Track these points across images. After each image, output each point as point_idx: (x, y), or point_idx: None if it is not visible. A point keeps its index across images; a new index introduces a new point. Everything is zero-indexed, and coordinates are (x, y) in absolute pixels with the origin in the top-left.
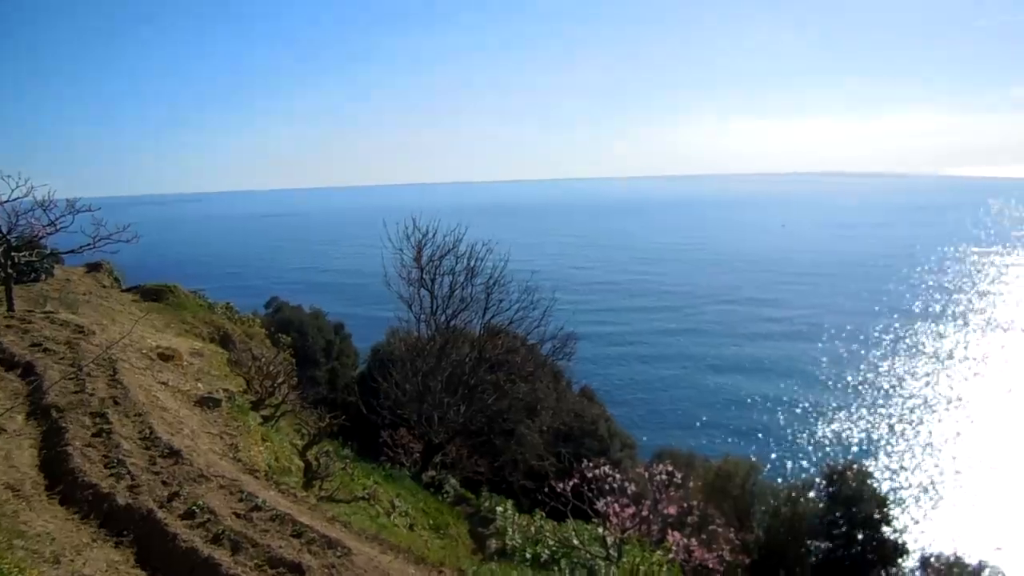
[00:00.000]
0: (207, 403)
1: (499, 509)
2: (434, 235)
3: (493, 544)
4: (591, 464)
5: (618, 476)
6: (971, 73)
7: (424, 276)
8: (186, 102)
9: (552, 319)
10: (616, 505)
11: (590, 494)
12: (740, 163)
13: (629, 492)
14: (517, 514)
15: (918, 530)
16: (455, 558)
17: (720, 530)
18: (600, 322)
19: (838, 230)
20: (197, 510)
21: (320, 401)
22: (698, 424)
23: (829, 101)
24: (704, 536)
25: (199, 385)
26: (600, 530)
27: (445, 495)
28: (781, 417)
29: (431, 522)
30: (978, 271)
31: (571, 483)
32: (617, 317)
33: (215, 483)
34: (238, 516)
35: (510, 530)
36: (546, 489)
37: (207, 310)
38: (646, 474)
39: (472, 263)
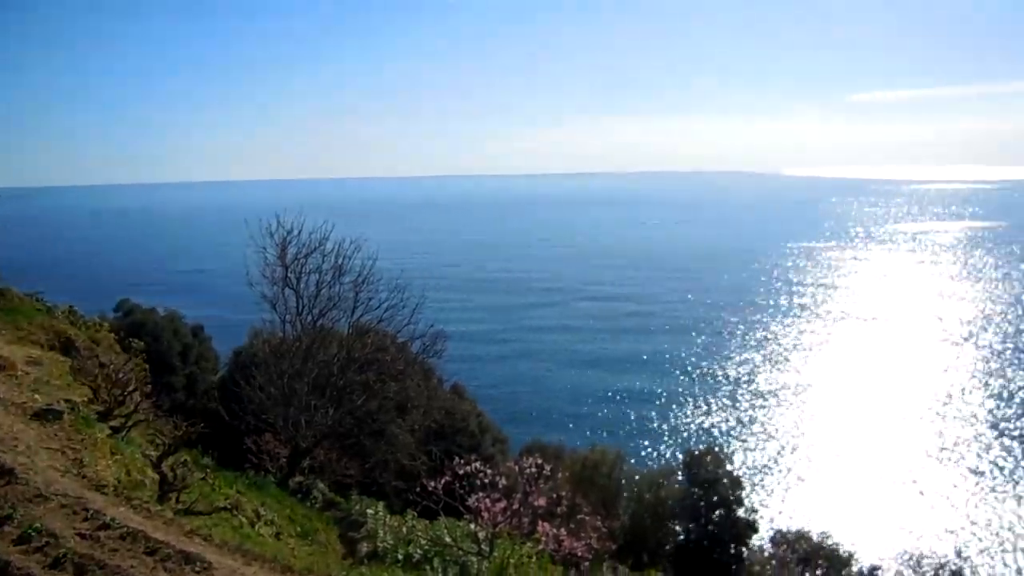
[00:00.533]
0: (46, 416)
1: (370, 511)
2: (299, 232)
3: (364, 547)
4: (462, 461)
5: (489, 471)
6: (816, 80)
7: (289, 275)
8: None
9: (422, 316)
10: (487, 500)
11: (462, 491)
12: (607, 162)
13: (500, 486)
14: (388, 515)
15: (770, 508)
16: (323, 564)
17: (588, 519)
18: (471, 320)
19: (694, 227)
20: (34, 533)
21: (177, 408)
22: (567, 418)
23: (699, 101)
24: (573, 525)
25: (36, 397)
26: (472, 526)
27: (313, 501)
28: (644, 409)
29: (299, 529)
30: (821, 265)
31: (443, 481)
32: (488, 315)
33: (56, 503)
34: (83, 537)
35: (381, 532)
36: (418, 488)
37: (46, 315)
38: (516, 468)
39: (339, 261)
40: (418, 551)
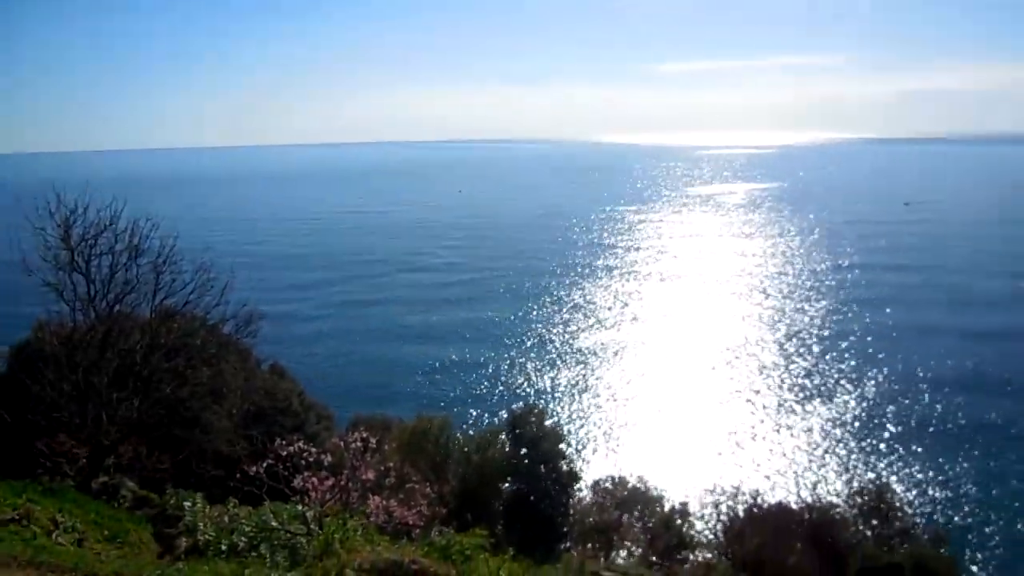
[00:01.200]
0: None
1: (187, 504)
2: (85, 211)
3: (183, 543)
4: (285, 442)
5: (314, 450)
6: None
7: (76, 258)
8: None
9: (233, 297)
10: (314, 479)
11: (286, 473)
12: (414, 131)
13: (326, 464)
14: (208, 506)
15: (593, 459)
16: (135, 566)
17: (418, 487)
18: (289, 299)
19: (510, 194)
20: None
21: None
22: (396, 392)
23: (517, 72)
24: (402, 495)
25: None
26: (299, 507)
27: (122, 500)
28: (472, 376)
29: (106, 532)
30: (629, 227)
31: (265, 464)
32: (307, 292)
33: None
34: None
35: (201, 524)
36: (238, 475)
37: None
38: (342, 444)
39: (136, 241)
40: (243, 539)
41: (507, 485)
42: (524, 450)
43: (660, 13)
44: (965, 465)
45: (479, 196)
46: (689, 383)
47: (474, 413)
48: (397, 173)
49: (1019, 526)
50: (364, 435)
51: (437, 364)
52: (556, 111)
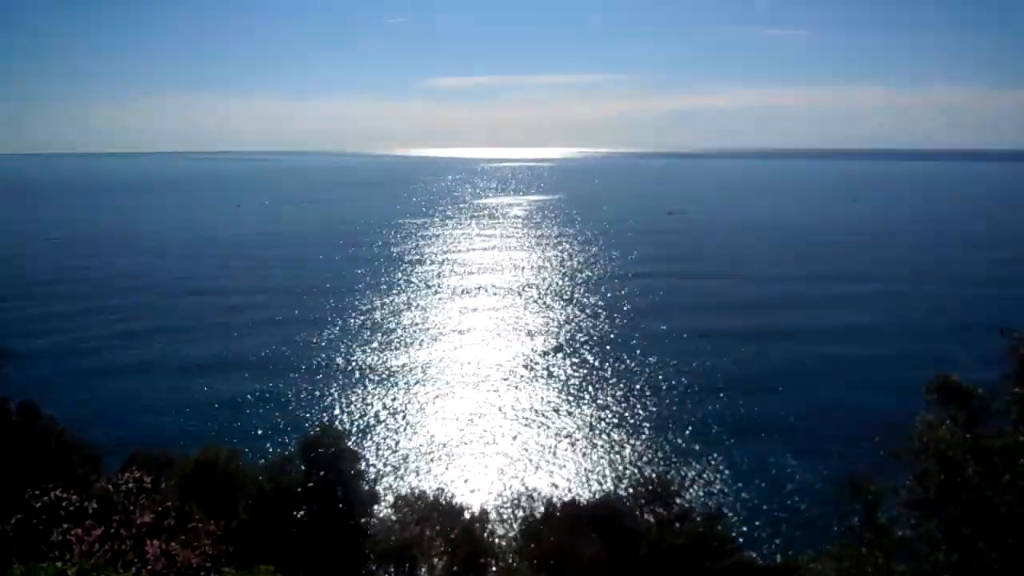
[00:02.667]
0: None
1: None
2: None
3: None
4: (38, 492)
5: (75, 497)
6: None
7: None
8: None
9: None
10: (78, 531)
11: (42, 526)
12: (184, 142)
13: (91, 511)
14: None
15: (394, 476)
16: None
17: (201, 525)
18: (38, 332)
19: (289, 207)
20: None
21: None
22: (180, 429)
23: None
24: (184, 536)
25: None
26: (59, 564)
27: None
28: (263, 406)
29: None
30: (419, 240)
31: (14, 520)
32: (64, 323)
33: None
34: None
35: None
36: None
37: None
38: (110, 487)
39: None
40: None
41: (303, 512)
42: (320, 473)
43: (436, 27)
44: (732, 454)
45: (259, 211)
46: (483, 395)
47: (269, 446)
48: (163, 186)
49: (778, 502)
50: (137, 474)
51: (225, 394)
52: (335, 123)
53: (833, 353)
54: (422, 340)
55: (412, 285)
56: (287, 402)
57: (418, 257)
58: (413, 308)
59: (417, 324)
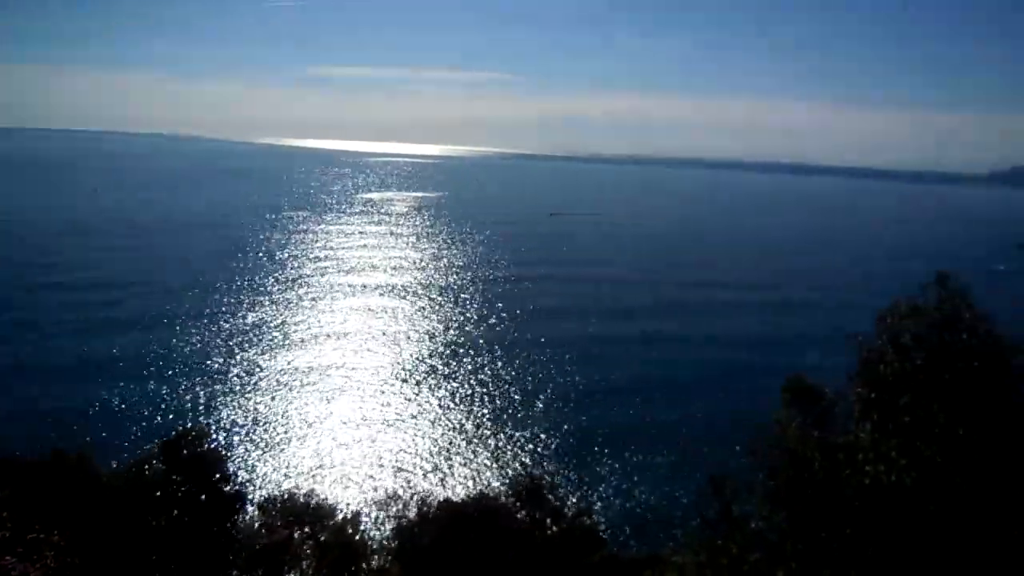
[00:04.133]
0: None
1: None
2: None
3: None
4: None
5: None
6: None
7: None
8: None
9: None
10: None
11: None
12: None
13: None
14: None
15: (262, 478)
16: None
17: (43, 536)
18: None
19: (159, 193)
20: None
21: None
22: (20, 440)
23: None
24: (22, 549)
25: None
26: None
27: None
28: (118, 411)
29: None
30: (301, 235)
31: None
32: None
33: None
34: None
35: None
36: None
37: None
38: None
39: None
40: None
41: (162, 518)
42: (180, 476)
43: (320, 14)
44: (607, 455)
45: (119, 197)
46: (360, 397)
47: (126, 453)
48: (10, 165)
49: (647, 499)
50: None
51: (79, 398)
52: (212, 107)
53: (708, 357)
54: (296, 341)
55: (288, 282)
56: (149, 406)
57: (295, 252)
58: (287, 307)
59: (291, 324)
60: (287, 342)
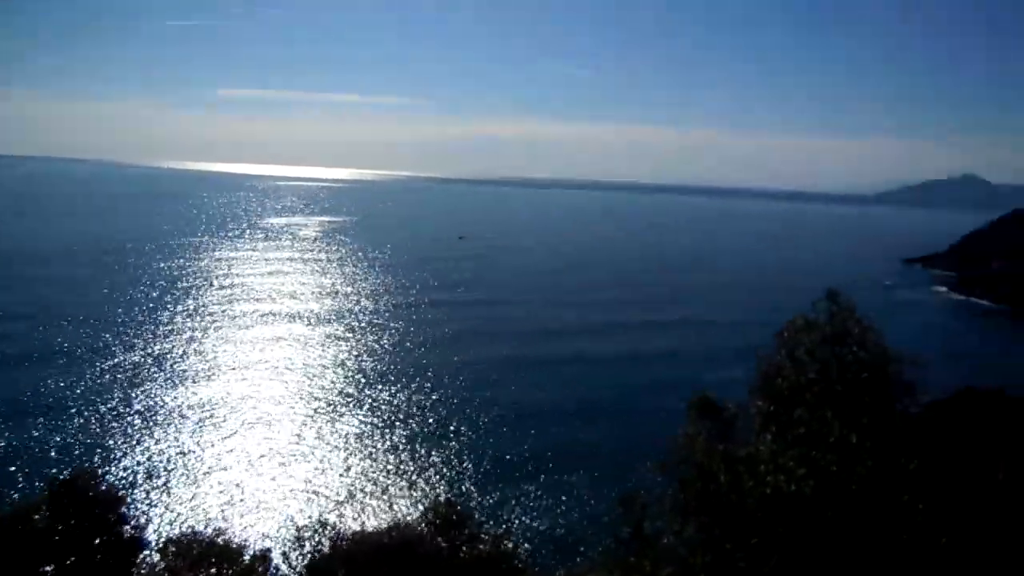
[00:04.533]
0: None
1: None
2: None
3: None
4: None
5: None
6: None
7: None
8: None
9: None
10: None
11: None
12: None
13: None
14: None
15: (164, 520)
16: None
17: None
18: None
19: (54, 219)
20: None
21: None
22: None
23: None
24: None
25: None
26: None
27: None
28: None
29: None
30: (206, 262)
31: None
32: None
33: None
34: None
35: None
36: None
37: None
38: None
39: None
40: None
41: (51, 566)
42: (72, 521)
43: (223, 35)
44: (524, 478)
45: (5, 224)
46: (267, 431)
47: (9, 502)
48: None
49: (563, 520)
50: None
51: None
52: (106, 129)
53: (618, 376)
54: (200, 373)
55: (190, 312)
56: (39, 449)
57: (198, 281)
58: (190, 338)
59: (194, 356)
60: (190, 375)
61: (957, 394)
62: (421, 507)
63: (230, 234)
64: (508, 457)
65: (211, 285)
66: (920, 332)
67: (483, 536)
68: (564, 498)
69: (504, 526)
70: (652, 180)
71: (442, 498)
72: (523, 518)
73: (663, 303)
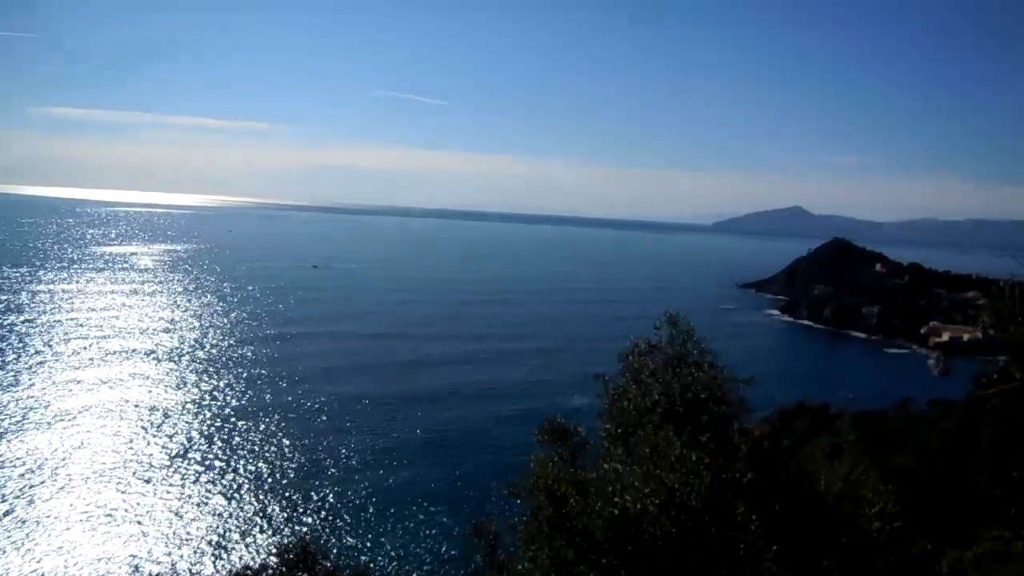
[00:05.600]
0: None
1: None
2: None
3: None
4: None
5: None
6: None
7: None
8: None
9: None
10: None
11: None
12: None
13: None
14: None
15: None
16: None
17: None
18: None
19: None
20: None
21: None
22: None
23: None
24: None
25: None
26: None
27: None
28: None
29: None
30: (30, 296)
31: None
32: None
33: None
34: None
35: None
36: None
37: None
38: None
39: None
40: None
41: None
42: None
43: (54, 48)
44: (381, 513)
45: None
46: (104, 482)
47: None
48: None
49: (421, 553)
50: None
51: None
52: None
53: (473, 407)
54: (19, 424)
55: (25, 351)
56: None
57: (11, 319)
58: (18, 381)
59: (12, 405)
60: (6, 425)
61: (789, 409)
62: (273, 549)
63: (55, 265)
64: (364, 493)
65: (32, 322)
66: (755, 352)
67: (340, 572)
68: (423, 532)
69: (361, 563)
70: (502, 209)
71: (297, 538)
72: (381, 553)
73: (516, 331)
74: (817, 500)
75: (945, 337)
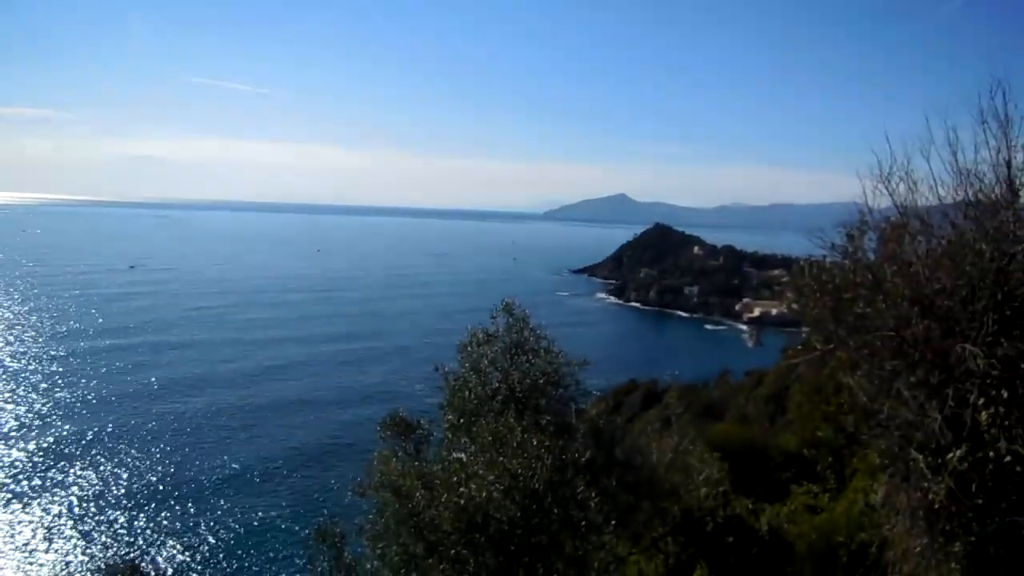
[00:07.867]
0: None
1: None
2: None
3: None
4: None
5: None
6: None
7: None
8: None
9: None
10: None
11: None
12: None
13: None
14: None
15: None
16: None
17: None
18: None
19: None
20: None
21: None
22: None
23: None
24: None
25: None
26: None
27: None
28: None
29: None
30: None
31: None
32: None
33: None
34: None
35: None
36: None
37: None
38: None
39: None
40: None
41: None
42: None
43: None
44: (218, 521)
45: None
46: None
47: None
48: None
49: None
50: None
51: None
52: None
53: (323, 416)
54: None
55: None
56: None
57: None
58: None
59: None
60: None
61: (622, 387)
62: (99, 570)
63: None
64: (204, 513)
65: None
66: (588, 335)
67: None
68: (269, 545)
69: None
70: (333, 201)
71: (121, 558)
72: (219, 571)
73: (356, 330)
74: (650, 471)
75: (756, 312)
